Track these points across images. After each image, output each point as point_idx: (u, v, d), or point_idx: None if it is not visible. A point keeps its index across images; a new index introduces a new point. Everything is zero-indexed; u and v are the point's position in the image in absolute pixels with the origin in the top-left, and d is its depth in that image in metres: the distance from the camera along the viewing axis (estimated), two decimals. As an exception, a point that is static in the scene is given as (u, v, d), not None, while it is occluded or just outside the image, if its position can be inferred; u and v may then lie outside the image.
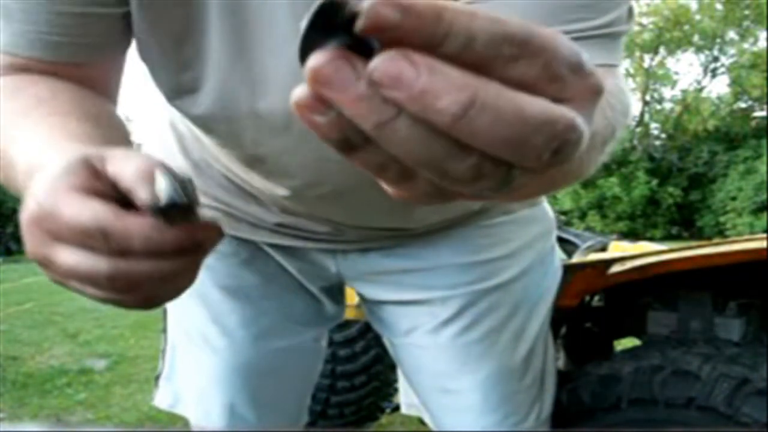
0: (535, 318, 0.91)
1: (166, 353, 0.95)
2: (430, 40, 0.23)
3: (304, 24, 0.24)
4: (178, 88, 0.61)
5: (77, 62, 0.56)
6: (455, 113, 0.23)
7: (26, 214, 0.37)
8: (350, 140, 0.25)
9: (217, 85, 0.59)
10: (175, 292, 0.40)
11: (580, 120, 0.25)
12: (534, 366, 0.91)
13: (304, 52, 0.24)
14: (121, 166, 0.37)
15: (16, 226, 12.74)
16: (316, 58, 0.23)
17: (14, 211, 12.41)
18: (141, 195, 0.35)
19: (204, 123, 0.65)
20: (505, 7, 0.50)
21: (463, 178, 0.25)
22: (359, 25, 0.23)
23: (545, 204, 0.94)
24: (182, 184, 0.34)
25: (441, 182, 0.26)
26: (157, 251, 0.35)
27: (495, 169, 0.25)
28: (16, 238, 12.90)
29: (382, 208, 0.75)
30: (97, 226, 0.34)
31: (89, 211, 0.35)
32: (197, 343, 0.87)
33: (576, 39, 0.49)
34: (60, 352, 4.01)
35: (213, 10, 0.56)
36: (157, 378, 0.97)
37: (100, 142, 0.48)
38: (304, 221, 0.81)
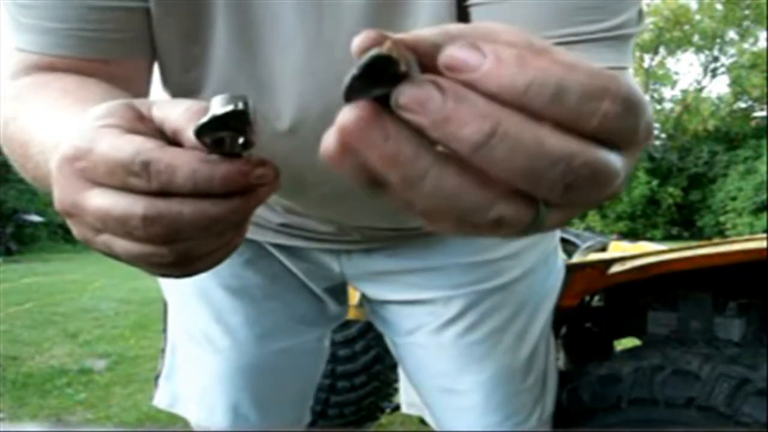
0: (538, 318, 0.91)
1: (165, 353, 0.95)
2: (509, 89, 0.22)
3: (352, 71, 0.23)
4: (183, 87, 0.61)
5: (108, 59, 0.55)
6: (477, 142, 0.23)
7: (58, 155, 0.34)
8: (377, 181, 0.25)
9: (221, 86, 0.59)
10: (215, 253, 0.36)
11: (609, 157, 0.25)
12: (536, 366, 0.92)
13: (349, 95, 0.24)
14: (167, 109, 0.34)
15: (17, 226, 12.79)
16: (346, 114, 0.23)
17: (14, 211, 12.38)
18: (190, 134, 0.32)
19: None
20: (517, 9, 0.49)
21: (483, 227, 0.26)
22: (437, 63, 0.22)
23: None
24: (238, 104, 0.31)
25: (463, 229, 0.27)
26: (203, 188, 0.31)
27: (515, 220, 0.26)
28: (16, 238, 12.86)
29: (386, 209, 0.75)
30: (139, 158, 0.31)
31: (130, 144, 0.32)
32: (200, 342, 0.87)
33: (587, 41, 0.49)
34: (60, 352, 4.00)
35: (220, 9, 0.56)
36: (156, 378, 0.97)
37: None
38: (308, 221, 0.81)
